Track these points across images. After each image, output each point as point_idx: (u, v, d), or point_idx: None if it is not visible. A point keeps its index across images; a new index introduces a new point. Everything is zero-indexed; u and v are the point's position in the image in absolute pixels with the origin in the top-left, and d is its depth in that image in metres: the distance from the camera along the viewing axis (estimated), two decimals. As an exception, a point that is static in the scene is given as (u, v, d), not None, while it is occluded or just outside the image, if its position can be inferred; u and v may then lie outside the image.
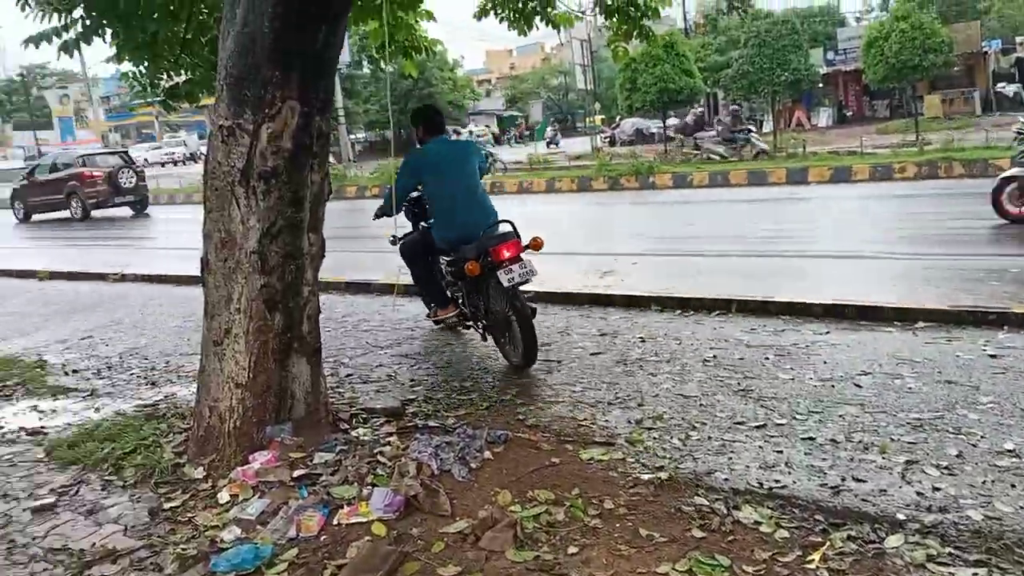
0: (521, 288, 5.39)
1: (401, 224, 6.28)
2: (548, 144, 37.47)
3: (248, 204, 3.95)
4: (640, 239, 12.09)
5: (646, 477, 3.74)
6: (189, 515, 3.67)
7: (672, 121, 30.13)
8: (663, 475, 3.74)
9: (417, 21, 7.21)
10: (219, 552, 3.31)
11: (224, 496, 3.75)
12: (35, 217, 24.34)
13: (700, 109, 29.57)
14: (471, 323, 6.16)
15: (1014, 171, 9.95)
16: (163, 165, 46.64)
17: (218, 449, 4.12)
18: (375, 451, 4.10)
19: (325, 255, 4.46)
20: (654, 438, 4.22)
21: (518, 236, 5.50)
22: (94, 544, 3.52)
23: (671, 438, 4.21)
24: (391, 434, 4.35)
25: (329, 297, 8.31)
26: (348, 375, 5.81)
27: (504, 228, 5.61)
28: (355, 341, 6.85)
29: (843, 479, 3.64)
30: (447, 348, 6.38)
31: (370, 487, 3.71)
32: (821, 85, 33.75)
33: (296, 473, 3.86)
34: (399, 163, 6.28)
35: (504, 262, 5.29)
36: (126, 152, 26.54)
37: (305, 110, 3.92)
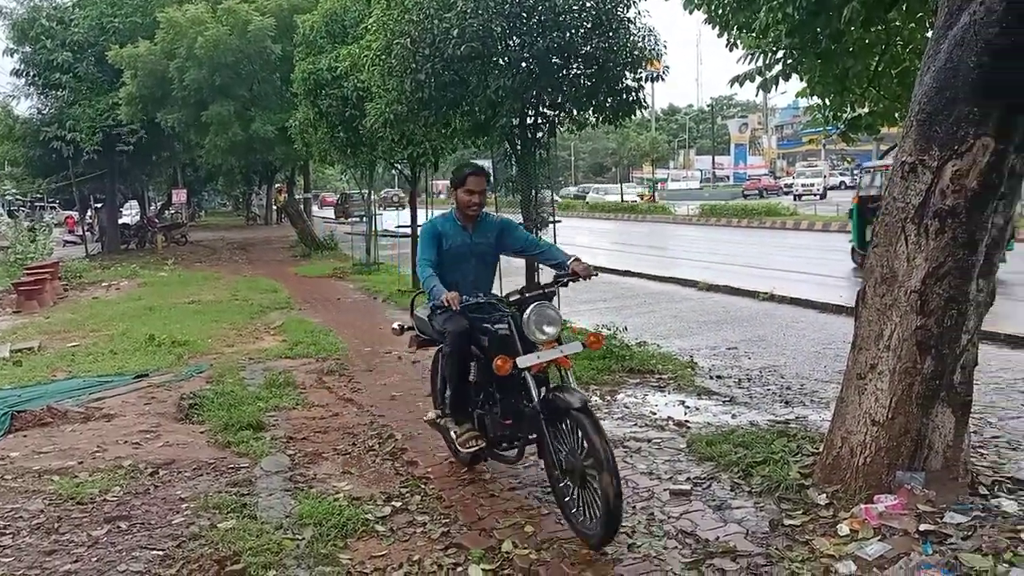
0: None
1: None
2: None
3: (917, 242, 3.84)
4: None
5: None
6: (807, 537, 3.76)
7: None
8: None
9: None
10: (831, 582, 3.33)
11: (844, 529, 3.75)
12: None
13: None
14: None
15: None
16: (796, 198, 41.53)
17: (844, 480, 4.13)
18: (1019, 527, 3.65)
19: (993, 303, 4.10)
20: None
21: None
22: (718, 538, 3.85)
23: None
24: (1041, 514, 3.81)
25: (984, 348, 7.53)
26: (994, 437, 5.24)
27: None
28: (1008, 401, 6.15)
29: None
30: None
31: (1006, 565, 3.33)
32: None
33: (922, 527, 3.67)
34: None
35: None
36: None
37: (1000, 148, 3.64)
